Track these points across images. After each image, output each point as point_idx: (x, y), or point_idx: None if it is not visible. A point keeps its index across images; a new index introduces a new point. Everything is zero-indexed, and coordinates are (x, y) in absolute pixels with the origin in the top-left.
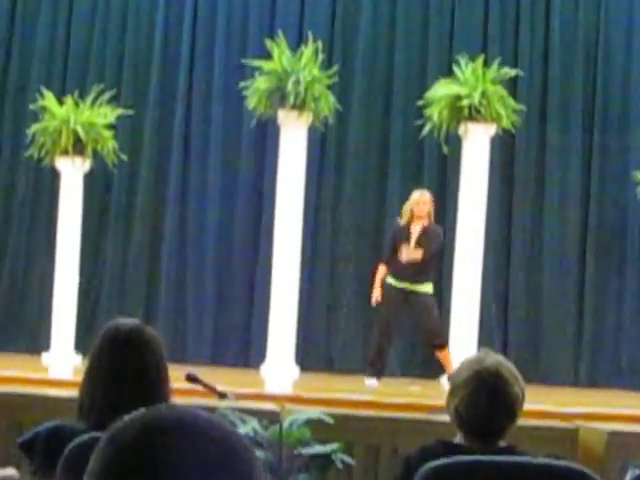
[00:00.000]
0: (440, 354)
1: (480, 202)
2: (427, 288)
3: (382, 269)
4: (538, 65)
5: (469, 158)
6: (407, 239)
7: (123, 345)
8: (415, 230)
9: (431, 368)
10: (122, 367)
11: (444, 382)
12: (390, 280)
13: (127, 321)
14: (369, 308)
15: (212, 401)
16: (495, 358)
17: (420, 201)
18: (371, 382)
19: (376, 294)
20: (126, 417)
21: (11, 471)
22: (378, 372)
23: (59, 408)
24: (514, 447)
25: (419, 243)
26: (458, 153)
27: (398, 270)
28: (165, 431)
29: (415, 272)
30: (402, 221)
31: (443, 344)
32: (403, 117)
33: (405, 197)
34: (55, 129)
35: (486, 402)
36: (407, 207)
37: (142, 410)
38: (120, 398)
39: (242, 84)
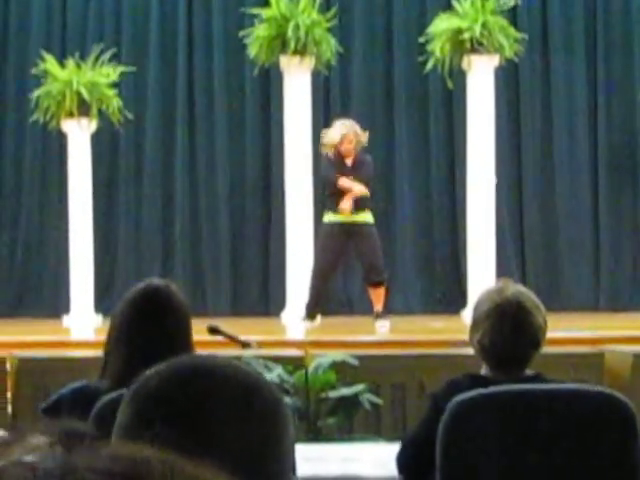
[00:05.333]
0: (375, 291)
1: (488, 133)
2: (368, 217)
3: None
4: None
5: (474, 90)
6: (341, 171)
7: (145, 304)
8: (348, 166)
9: (451, 303)
10: (144, 326)
11: (465, 316)
12: (330, 217)
13: (151, 281)
14: (385, 247)
15: (235, 351)
16: (515, 288)
17: (345, 140)
18: (308, 324)
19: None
20: (148, 371)
21: None
22: (313, 312)
23: (83, 369)
24: (540, 375)
25: (354, 179)
26: (463, 86)
27: (339, 202)
28: (188, 378)
29: (355, 201)
30: (330, 154)
31: (382, 281)
32: (405, 54)
33: (412, 135)
34: (58, 92)
35: (509, 333)
36: (329, 144)
37: (164, 363)
38: (143, 356)
39: (242, 33)
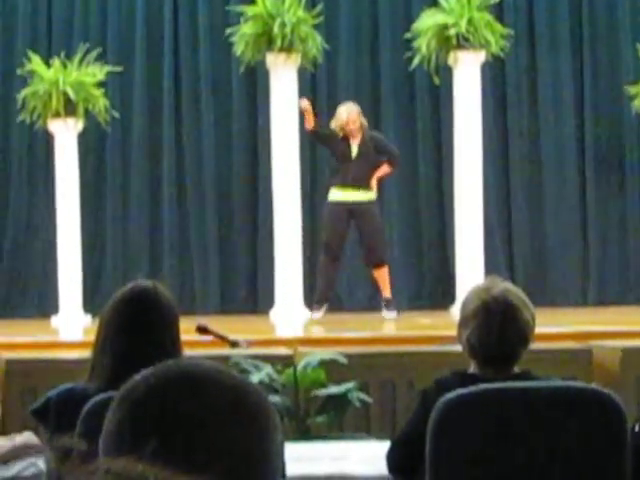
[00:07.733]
0: (378, 272)
1: (475, 129)
2: (371, 195)
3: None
4: None
5: (461, 86)
6: (349, 154)
7: (134, 305)
8: (354, 145)
9: (439, 299)
10: (133, 327)
11: (454, 312)
12: (334, 196)
13: (140, 282)
14: None
15: (224, 350)
16: (502, 285)
17: (349, 120)
18: (318, 314)
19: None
20: (136, 376)
21: (29, 435)
22: (326, 301)
23: (72, 370)
24: (528, 372)
25: (360, 156)
26: (449, 83)
27: (343, 177)
28: (175, 384)
29: (361, 174)
30: (339, 133)
31: (383, 262)
32: (391, 51)
33: (400, 131)
34: (45, 92)
35: (497, 331)
36: (337, 126)
37: (151, 368)
38: (132, 358)
39: (228, 31)
